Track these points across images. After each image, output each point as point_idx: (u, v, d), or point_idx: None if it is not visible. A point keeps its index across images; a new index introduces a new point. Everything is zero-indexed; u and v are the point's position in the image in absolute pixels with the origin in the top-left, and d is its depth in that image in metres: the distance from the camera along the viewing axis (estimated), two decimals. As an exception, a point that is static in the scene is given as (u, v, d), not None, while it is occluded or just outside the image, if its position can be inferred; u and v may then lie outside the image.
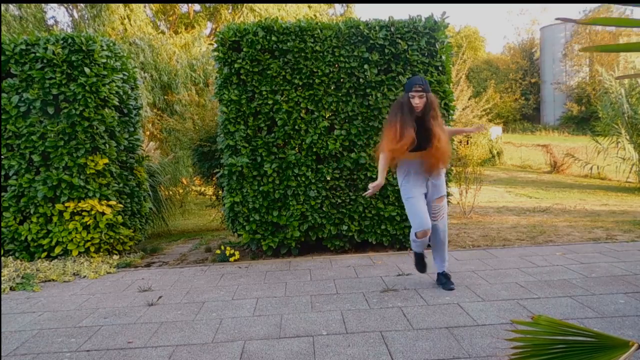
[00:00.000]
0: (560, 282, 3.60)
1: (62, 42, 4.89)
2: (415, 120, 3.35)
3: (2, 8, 10.69)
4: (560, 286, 3.49)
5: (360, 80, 4.82)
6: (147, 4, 14.88)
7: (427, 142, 3.37)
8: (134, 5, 13.22)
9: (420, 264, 3.73)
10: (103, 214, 5.01)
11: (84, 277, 4.49)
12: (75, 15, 13.20)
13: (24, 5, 11.24)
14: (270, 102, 4.79)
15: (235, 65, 4.75)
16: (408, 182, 3.51)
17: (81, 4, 12.29)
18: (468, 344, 2.55)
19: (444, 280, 3.64)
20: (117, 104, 5.26)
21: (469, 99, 13.02)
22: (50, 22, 13.70)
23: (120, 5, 12.75)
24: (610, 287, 3.41)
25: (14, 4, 11.01)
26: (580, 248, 4.70)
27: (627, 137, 11.53)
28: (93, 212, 4.96)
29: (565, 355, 1.26)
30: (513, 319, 1.62)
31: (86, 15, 11.98)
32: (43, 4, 12.53)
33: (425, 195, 3.54)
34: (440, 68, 4.91)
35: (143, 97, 10.99)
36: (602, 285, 3.48)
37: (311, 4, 16.76)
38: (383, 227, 4.91)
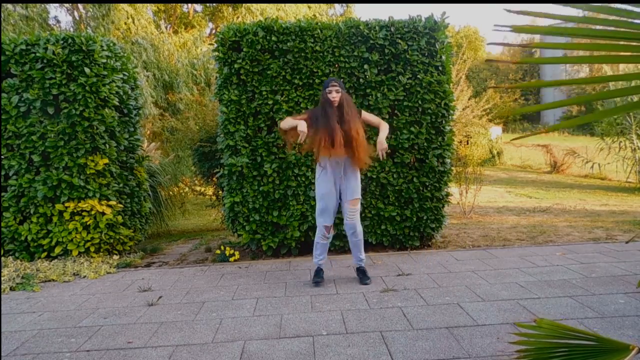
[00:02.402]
0: (560, 282, 3.60)
1: (62, 42, 4.89)
2: (332, 119, 3.55)
3: (10, 8, 10.67)
4: (560, 286, 3.49)
5: (360, 80, 4.82)
6: (148, 4, 14.87)
7: (347, 140, 3.56)
8: (138, 5, 13.21)
9: (318, 275, 3.88)
10: (103, 214, 5.01)
11: (84, 277, 4.49)
12: (76, 15, 13.18)
13: (30, 5, 11.22)
14: (270, 102, 4.79)
15: (235, 66, 4.75)
16: (325, 178, 3.70)
17: (87, 4, 12.28)
18: (468, 344, 2.55)
19: (360, 275, 3.85)
20: (117, 104, 5.26)
21: (469, 99, 13.01)
22: (52, 22, 13.68)
23: (126, 5, 12.73)
24: (610, 287, 3.41)
25: (21, 5, 10.99)
26: (580, 248, 4.70)
27: (638, 132, 11.52)
28: (93, 212, 4.96)
29: (567, 359, 1.26)
30: (517, 322, 1.62)
31: (93, 14, 11.95)
32: (47, 4, 12.51)
33: (340, 194, 3.75)
34: (440, 68, 4.90)
35: (157, 96, 11.12)
36: (602, 285, 3.48)
37: (311, 4, 16.75)
38: (383, 227, 4.91)
